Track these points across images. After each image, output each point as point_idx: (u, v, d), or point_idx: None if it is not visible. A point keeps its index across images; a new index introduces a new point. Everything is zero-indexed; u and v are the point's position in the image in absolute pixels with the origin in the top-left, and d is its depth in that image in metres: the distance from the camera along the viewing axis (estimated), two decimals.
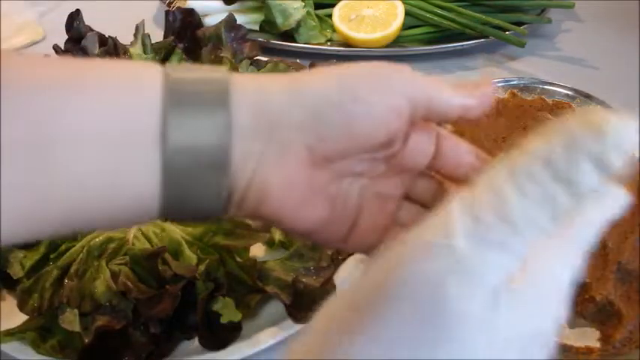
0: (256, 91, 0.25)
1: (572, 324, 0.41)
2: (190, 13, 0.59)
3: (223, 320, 0.37)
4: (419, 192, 0.30)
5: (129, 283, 0.38)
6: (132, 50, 0.56)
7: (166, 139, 0.22)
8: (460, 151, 0.28)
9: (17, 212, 0.21)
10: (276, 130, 0.24)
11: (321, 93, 0.25)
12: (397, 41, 0.66)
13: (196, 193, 0.24)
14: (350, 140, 0.25)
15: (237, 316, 0.37)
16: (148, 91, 0.23)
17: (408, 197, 0.30)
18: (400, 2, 0.65)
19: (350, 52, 0.65)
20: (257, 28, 0.68)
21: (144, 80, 0.24)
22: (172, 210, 0.24)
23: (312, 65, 0.53)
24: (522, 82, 0.59)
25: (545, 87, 0.58)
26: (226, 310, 0.37)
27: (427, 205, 0.30)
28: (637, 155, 0.19)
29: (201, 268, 0.38)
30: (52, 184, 0.21)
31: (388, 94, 0.25)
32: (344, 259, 0.41)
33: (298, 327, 0.37)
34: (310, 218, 0.27)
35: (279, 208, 0.26)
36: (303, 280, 0.38)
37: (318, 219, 0.27)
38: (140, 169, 0.23)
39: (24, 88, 0.22)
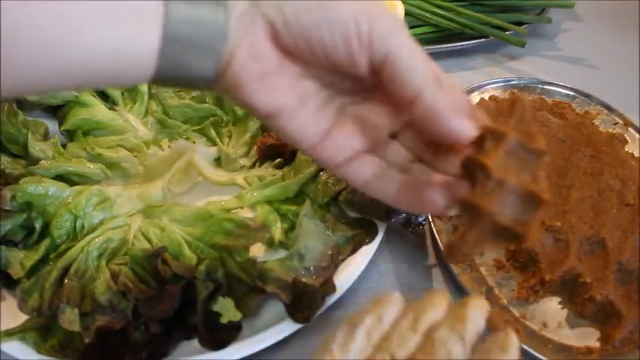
0: None
1: (572, 324, 0.41)
2: None
3: (223, 320, 0.37)
4: (408, 136, 0.31)
5: (129, 283, 0.38)
6: None
7: (168, 12, 0.25)
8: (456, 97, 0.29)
9: (45, 63, 0.24)
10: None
11: None
12: None
13: (191, 62, 0.26)
14: (310, 43, 0.27)
15: (237, 316, 0.37)
16: None
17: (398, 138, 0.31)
18: (400, 2, 0.65)
19: None
20: None
21: None
22: (165, 77, 0.27)
23: None
24: (522, 81, 0.59)
25: (545, 87, 0.58)
26: (226, 310, 0.37)
27: (415, 151, 0.31)
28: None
29: (201, 268, 0.38)
30: (69, 45, 0.24)
31: (355, 23, 0.26)
32: (344, 260, 0.41)
33: (298, 327, 0.37)
34: (271, 98, 0.28)
35: (240, 73, 0.27)
36: (303, 280, 0.38)
37: (279, 105, 0.29)
38: (141, 38, 0.25)
39: None
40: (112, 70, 0.26)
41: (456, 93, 0.29)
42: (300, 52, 0.28)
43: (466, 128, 0.27)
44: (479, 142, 0.27)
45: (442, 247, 0.27)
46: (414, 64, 0.27)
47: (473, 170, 0.27)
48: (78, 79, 0.26)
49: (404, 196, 0.30)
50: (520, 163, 0.26)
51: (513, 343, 0.27)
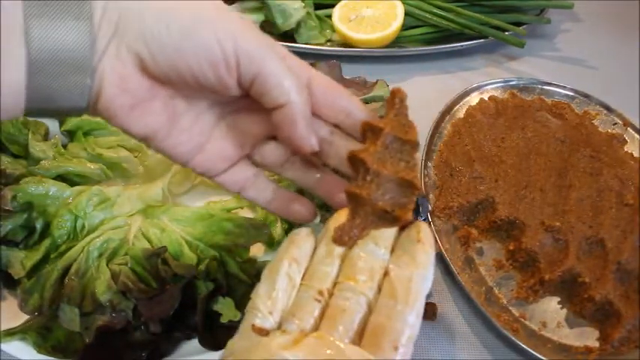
0: None
1: (571, 323, 0.41)
2: None
3: (223, 320, 0.37)
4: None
5: (129, 283, 0.38)
6: None
7: (30, 37, 0.24)
8: (332, 96, 0.31)
9: None
10: (122, 29, 0.26)
11: (171, 16, 0.26)
12: (397, 41, 0.66)
13: (60, 90, 0.26)
14: (178, 71, 0.27)
15: (237, 316, 0.37)
16: None
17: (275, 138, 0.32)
18: (400, 2, 0.65)
19: (350, 53, 0.65)
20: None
21: None
22: (37, 106, 0.26)
23: (312, 65, 0.53)
24: (522, 82, 0.59)
25: (545, 87, 0.59)
26: (226, 310, 0.37)
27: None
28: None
29: (201, 268, 0.39)
30: None
31: (220, 47, 0.26)
32: None
33: None
34: (143, 124, 0.29)
35: (110, 106, 0.27)
36: None
37: (151, 129, 0.29)
38: (7, 64, 0.24)
39: None
40: None
41: (334, 93, 0.31)
42: (170, 80, 0.28)
43: (308, 143, 0.29)
44: (363, 137, 0.31)
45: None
46: (282, 80, 0.27)
47: (355, 164, 0.30)
48: None
49: (275, 205, 0.34)
50: (396, 153, 0.30)
51: (426, 234, 0.27)
